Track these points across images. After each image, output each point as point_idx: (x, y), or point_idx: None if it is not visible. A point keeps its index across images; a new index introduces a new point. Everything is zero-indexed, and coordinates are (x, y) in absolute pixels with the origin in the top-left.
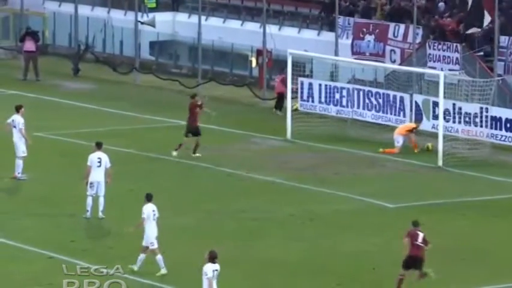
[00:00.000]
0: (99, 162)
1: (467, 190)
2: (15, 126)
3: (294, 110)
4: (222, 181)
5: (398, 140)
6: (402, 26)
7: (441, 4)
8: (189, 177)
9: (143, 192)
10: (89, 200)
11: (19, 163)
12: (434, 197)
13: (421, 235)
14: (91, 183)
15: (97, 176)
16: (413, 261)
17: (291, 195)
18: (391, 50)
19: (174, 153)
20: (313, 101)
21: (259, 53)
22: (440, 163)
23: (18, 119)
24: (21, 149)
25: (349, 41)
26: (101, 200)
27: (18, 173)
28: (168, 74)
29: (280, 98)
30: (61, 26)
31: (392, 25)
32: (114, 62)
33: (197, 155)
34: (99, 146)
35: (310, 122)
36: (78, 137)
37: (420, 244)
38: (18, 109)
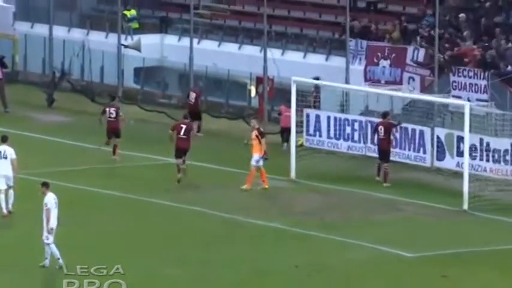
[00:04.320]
0: (56, 203)
1: (496, 237)
2: (5, 157)
3: (299, 146)
4: (216, 227)
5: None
6: (422, 50)
7: (466, 33)
8: (179, 222)
9: (127, 239)
10: (53, 247)
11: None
12: (459, 244)
13: (184, 127)
14: (51, 229)
15: (55, 220)
16: (179, 152)
17: (295, 244)
18: (410, 77)
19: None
20: (320, 136)
21: (259, 80)
22: (465, 206)
23: (8, 149)
24: (12, 180)
25: (362, 67)
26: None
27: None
28: (155, 104)
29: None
30: (33, 50)
31: (410, 49)
32: (93, 91)
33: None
34: (47, 185)
35: (317, 160)
36: (52, 177)
37: (183, 137)
38: (5, 139)
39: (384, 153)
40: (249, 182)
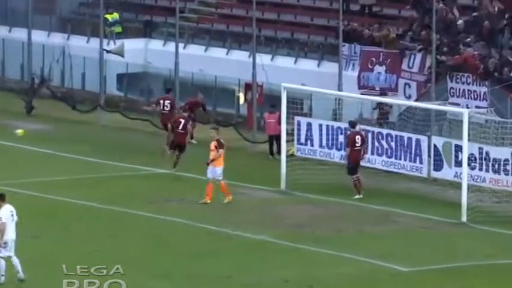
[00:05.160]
0: (12, 216)
1: (496, 251)
2: None
3: (290, 156)
4: (203, 240)
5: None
6: (418, 55)
7: (470, 39)
8: (163, 235)
9: (109, 253)
10: (2, 263)
11: None
12: (457, 258)
13: (182, 122)
14: (5, 243)
15: (12, 233)
16: (177, 145)
17: (285, 257)
18: (406, 84)
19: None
20: (312, 145)
21: (248, 87)
22: (464, 218)
23: None
24: None
25: (356, 73)
26: (17, 260)
27: None
28: (138, 112)
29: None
30: (11, 56)
31: (406, 54)
32: (74, 98)
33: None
34: (2, 197)
35: (309, 170)
36: (31, 188)
37: (181, 131)
38: None
39: (358, 165)
40: (227, 194)
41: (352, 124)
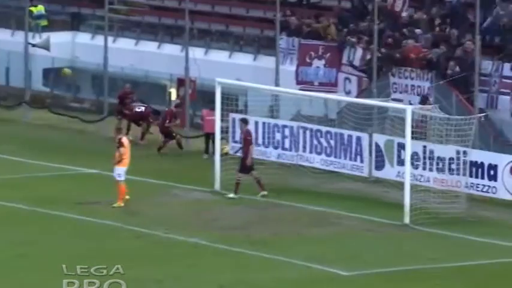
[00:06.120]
0: None
1: (441, 253)
2: None
3: (224, 155)
4: (133, 243)
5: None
6: (359, 49)
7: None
8: (92, 238)
9: (36, 257)
10: None
11: None
12: (400, 262)
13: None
14: None
15: None
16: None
17: (220, 261)
18: (346, 78)
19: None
20: None
21: (180, 82)
22: (407, 220)
23: None
24: None
25: (294, 68)
26: None
27: None
28: (66, 109)
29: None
30: None
31: (346, 47)
32: None
33: None
34: None
35: None
36: None
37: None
38: None
39: None
40: (121, 198)
41: (246, 121)
